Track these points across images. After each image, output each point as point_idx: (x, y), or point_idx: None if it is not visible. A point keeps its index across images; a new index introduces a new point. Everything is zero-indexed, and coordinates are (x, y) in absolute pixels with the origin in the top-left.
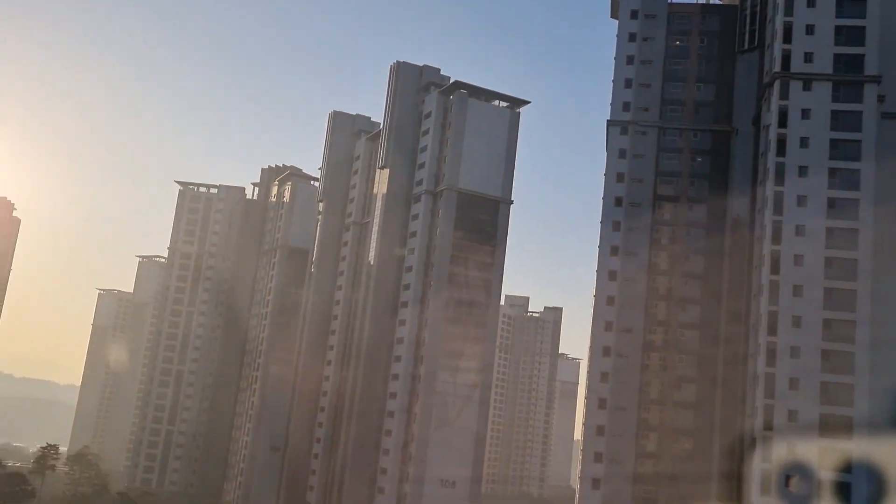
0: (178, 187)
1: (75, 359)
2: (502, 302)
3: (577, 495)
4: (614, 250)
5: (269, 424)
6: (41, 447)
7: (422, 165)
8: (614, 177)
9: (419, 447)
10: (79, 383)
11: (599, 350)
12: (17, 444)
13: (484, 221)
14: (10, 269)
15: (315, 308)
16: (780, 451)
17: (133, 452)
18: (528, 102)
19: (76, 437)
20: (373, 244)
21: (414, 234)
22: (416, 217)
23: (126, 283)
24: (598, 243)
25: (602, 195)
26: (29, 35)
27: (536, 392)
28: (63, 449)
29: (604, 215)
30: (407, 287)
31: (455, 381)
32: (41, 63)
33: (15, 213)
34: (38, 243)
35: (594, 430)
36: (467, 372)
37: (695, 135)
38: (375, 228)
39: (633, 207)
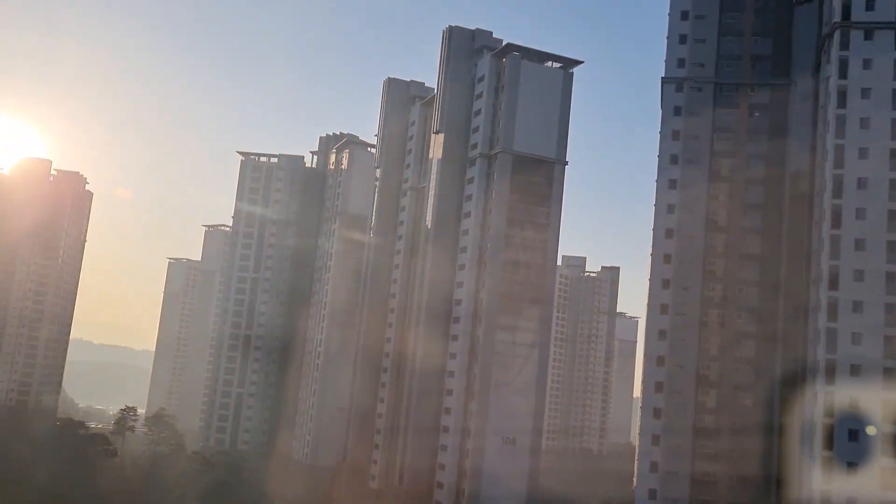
0: (240, 157)
1: (149, 325)
2: (559, 262)
3: (636, 451)
4: (671, 208)
5: (334, 385)
6: (120, 409)
7: (476, 129)
8: (670, 134)
9: (480, 405)
10: (153, 348)
11: (657, 308)
12: (99, 407)
13: (539, 183)
14: (84, 242)
15: (375, 273)
16: (842, 404)
17: (206, 414)
18: (581, 62)
19: (152, 400)
20: (429, 208)
21: (469, 198)
22: (471, 180)
23: (194, 251)
24: (654, 202)
25: (657, 153)
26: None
27: (595, 350)
28: (141, 411)
29: (659, 173)
30: (464, 249)
31: (513, 340)
32: (110, 43)
33: (87, 187)
34: (110, 216)
35: (653, 386)
36: (525, 332)
37: (752, 89)
38: (431, 193)
39: (689, 165)
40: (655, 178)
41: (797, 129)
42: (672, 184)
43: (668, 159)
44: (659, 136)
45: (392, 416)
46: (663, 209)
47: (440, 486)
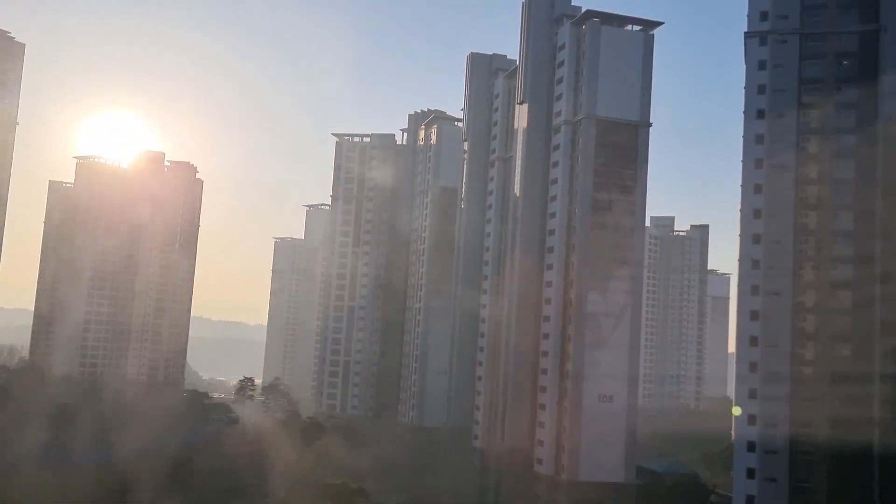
0: (335, 139)
1: (261, 301)
2: (647, 223)
3: (733, 405)
4: (759, 163)
5: (435, 350)
6: (239, 380)
7: (559, 97)
8: (755, 89)
9: (575, 366)
10: (265, 323)
11: (749, 263)
12: (220, 378)
13: (624, 146)
14: (198, 227)
15: (467, 242)
16: None
17: (317, 382)
18: (661, 23)
19: (267, 370)
20: (517, 177)
21: (556, 165)
22: (556, 148)
23: (298, 230)
24: (742, 157)
25: (743, 109)
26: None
27: (687, 308)
28: (258, 381)
29: (746, 129)
30: (553, 216)
31: (606, 301)
32: (209, 35)
33: (198, 176)
34: (219, 200)
35: (748, 341)
36: (617, 293)
37: (839, 38)
38: (518, 162)
39: (776, 119)
40: (742, 133)
41: (889, 75)
42: (759, 139)
43: (755, 114)
44: (744, 91)
45: (491, 378)
46: (751, 164)
47: (541, 443)
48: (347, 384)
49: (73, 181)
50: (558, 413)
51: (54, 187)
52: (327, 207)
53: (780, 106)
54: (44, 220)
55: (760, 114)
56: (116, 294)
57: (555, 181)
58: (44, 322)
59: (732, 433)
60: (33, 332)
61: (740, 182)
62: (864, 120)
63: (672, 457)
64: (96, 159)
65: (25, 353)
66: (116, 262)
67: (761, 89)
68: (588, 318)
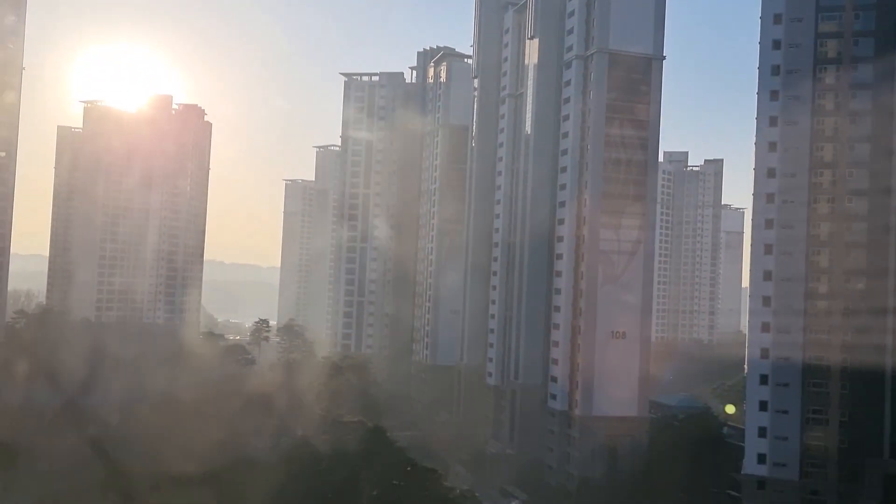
0: (344, 78)
1: (273, 244)
2: (661, 158)
3: (747, 340)
4: (774, 95)
5: (447, 289)
6: (255, 322)
7: (570, 31)
8: (771, 18)
9: (588, 302)
10: (279, 265)
11: (763, 197)
12: (235, 321)
13: (637, 80)
14: (208, 170)
15: (479, 180)
16: None
17: (331, 322)
18: None
19: (282, 312)
20: (528, 114)
21: (567, 101)
22: (568, 83)
23: (308, 172)
24: (756, 89)
25: (759, 39)
26: None
27: (701, 243)
28: (273, 323)
29: (761, 59)
30: (565, 152)
31: (618, 238)
32: None
33: (206, 118)
34: (228, 143)
35: (761, 275)
36: (630, 229)
37: None
38: (530, 98)
39: (792, 49)
40: (757, 65)
41: None
42: (775, 69)
43: (771, 45)
44: (759, 21)
45: (504, 316)
46: (766, 96)
47: (553, 379)
48: (361, 324)
49: (81, 126)
50: (571, 349)
51: (63, 133)
52: (337, 148)
53: (796, 35)
54: (54, 165)
55: (776, 44)
56: (129, 239)
57: (567, 117)
58: (59, 267)
59: (745, 367)
60: (49, 277)
61: (755, 114)
62: (882, 50)
63: (685, 391)
64: (104, 103)
65: (42, 298)
66: (128, 207)
67: (777, 19)
68: (601, 254)
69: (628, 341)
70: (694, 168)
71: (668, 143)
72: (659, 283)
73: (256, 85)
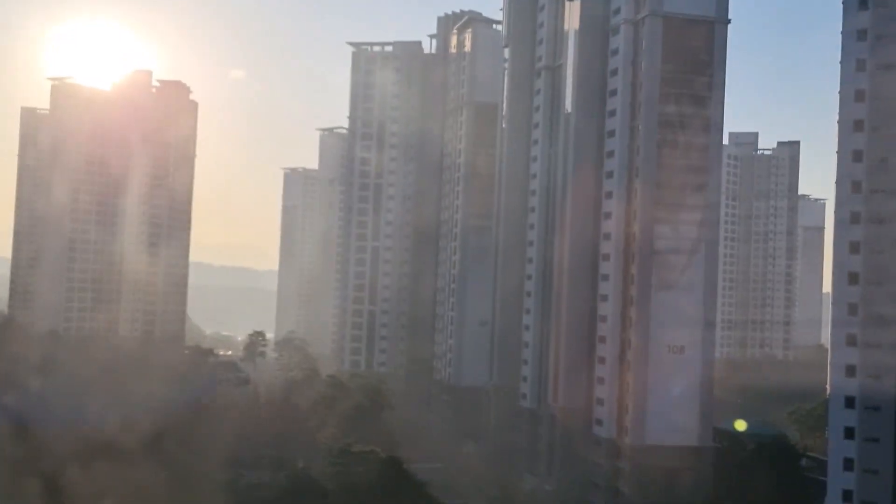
0: (351, 49)
1: (270, 243)
2: (725, 141)
3: (829, 355)
4: (861, 64)
5: (474, 297)
6: (248, 335)
7: None
8: (855, 4)
9: (640, 311)
10: (277, 268)
11: (848, 185)
12: (226, 333)
13: (696, 48)
14: (194, 157)
15: (510, 167)
16: None
17: (338, 335)
18: None
19: (280, 323)
20: (568, 89)
21: (615, 73)
22: (615, 52)
23: (310, 159)
24: (840, 59)
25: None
26: None
27: (774, 241)
28: (269, 335)
29: (845, 24)
30: (611, 134)
31: (676, 235)
32: None
33: (192, 97)
34: (217, 126)
35: (846, 278)
36: (689, 224)
37: None
38: (570, 71)
39: (880, 8)
40: (840, 29)
41: None
42: (861, 34)
43: (856, 5)
44: None
45: (540, 327)
46: (851, 66)
47: (599, 402)
48: (373, 338)
49: (48, 108)
50: (620, 367)
51: (27, 115)
52: (344, 131)
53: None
54: (17, 153)
55: (863, 4)
56: (103, 238)
57: (614, 93)
58: (22, 271)
59: (828, 387)
60: (11, 283)
61: (838, 88)
62: None
63: (755, 415)
64: (74, 80)
65: (3, 307)
66: (101, 201)
67: None
68: (655, 255)
69: (688, 357)
70: (765, 152)
71: (734, 123)
72: (724, 288)
73: (249, 59)
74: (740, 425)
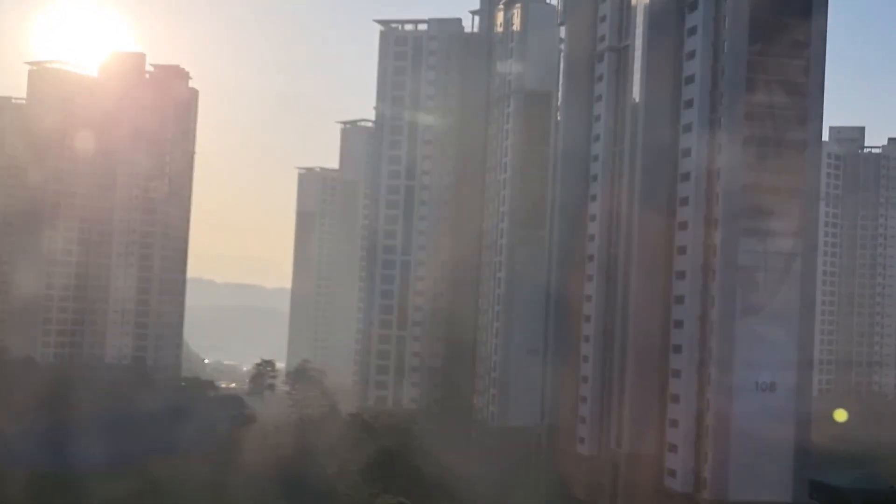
0: (379, 28)
1: (282, 256)
2: (825, 137)
3: None
4: None
5: (522, 321)
6: (256, 364)
7: None
8: None
9: (722, 341)
10: (289, 285)
11: None
12: (228, 362)
13: (790, 26)
14: (193, 154)
15: (567, 167)
16: None
17: (361, 365)
18: None
19: (293, 350)
20: (636, 75)
21: (692, 55)
22: (693, 31)
23: (330, 158)
24: None
25: None
26: None
27: (885, 255)
28: (280, 365)
29: None
30: (688, 128)
31: (765, 248)
32: None
33: (191, 84)
34: (222, 119)
35: None
36: (781, 236)
37: None
38: (638, 53)
39: None
40: None
41: None
42: None
43: None
44: None
45: (602, 358)
46: None
47: (673, 448)
48: (403, 368)
49: (24, 96)
50: (698, 406)
51: (1, 104)
52: (370, 125)
53: None
54: None
55: None
56: (87, 249)
57: (691, 79)
58: None
59: None
60: None
61: None
62: None
63: (862, 467)
64: (55, 65)
65: None
66: (85, 205)
67: None
68: (740, 272)
69: (779, 396)
70: (873, 150)
71: (835, 116)
72: (823, 312)
73: (259, 41)
74: (840, 416)
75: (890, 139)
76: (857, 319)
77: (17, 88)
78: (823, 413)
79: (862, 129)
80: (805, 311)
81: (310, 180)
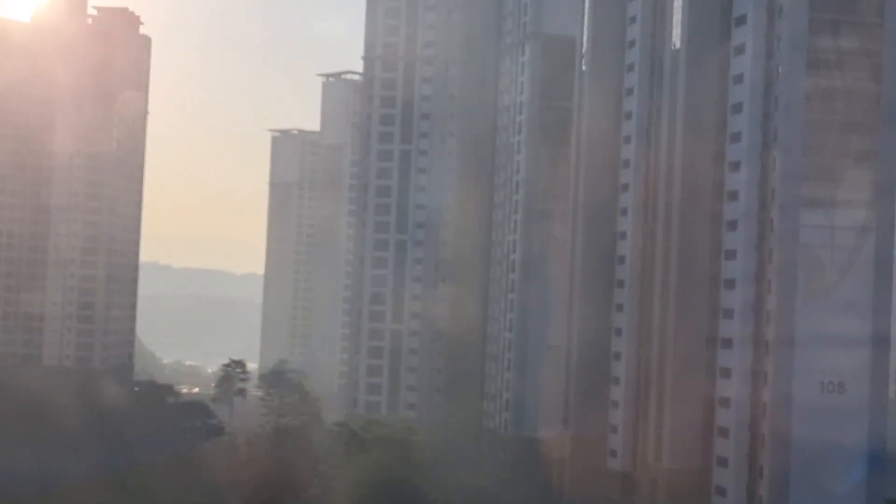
0: None
1: (253, 237)
2: None
3: None
4: None
5: (541, 312)
6: (223, 365)
7: None
8: None
9: (780, 333)
10: (262, 271)
11: None
12: (191, 363)
13: None
14: (146, 114)
15: (593, 127)
16: None
17: (349, 365)
18: None
19: (267, 348)
20: (676, 15)
21: None
22: None
23: (310, 118)
24: None
25: None
26: None
27: None
28: (252, 366)
29: None
30: (738, 80)
31: (832, 223)
32: None
33: (143, 31)
34: (180, 73)
35: None
36: (850, 207)
37: None
38: None
39: None
40: None
41: None
42: None
43: None
44: None
45: (636, 355)
46: None
47: (723, 462)
48: (398, 369)
49: None
50: (752, 412)
51: None
52: (357, 77)
53: None
54: None
55: None
56: (18, 227)
57: (742, 20)
58: None
59: None
60: None
61: None
62: None
63: None
64: None
65: None
66: (17, 176)
67: None
68: (802, 250)
69: (850, 398)
70: None
71: None
72: None
73: None
74: None
75: None
76: None
77: None
78: None
79: None
80: (880, 297)
81: (286, 145)
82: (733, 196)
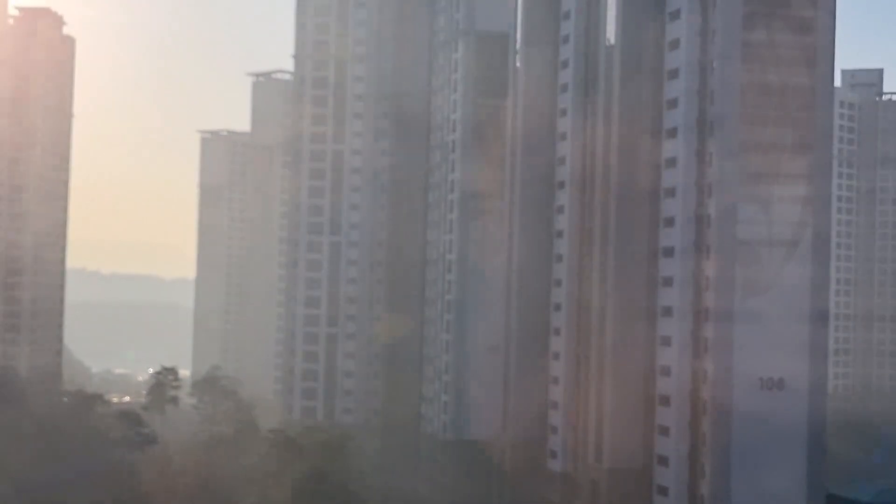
0: None
1: (183, 240)
2: (837, 82)
3: None
4: None
5: (479, 313)
6: (154, 372)
7: None
8: None
9: (719, 331)
10: (192, 275)
11: None
12: (120, 371)
13: None
14: (71, 117)
15: (528, 125)
16: None
17: (284, 371)
18: None
19: (200, 354)
20: (611, 11)
21: None
22: None
23: (240, 118)
24: None
25: None
26: None
27: None
28: (185, 373)
29: None
30: (674, 74)
31: (768, 218)
32: None
33: (66, 31)
34: (106, 74)
35: None
36: (787, 202)
37: None
38: None
39: None
40: None
41: None
42: None
43: None
44: None
45: (574, 355)
46: None
47: (663, 462)
48: (334, 374)
49: None
50: (692, 409)
51: None
52: (288, 77)
53: None
54: None
55: None
56: None
57: (676, 15)
58: None
59: None
60: None
61: None
62: None
63: (886, 476)
64: None
65: None
66: None
67: None
68: (739, 247)
69: (788, 394)
70: (893, 97)
71: (848, 56)
72: (837, 293)
73: None
74: None
75: None
76: (878, 301)
77: None
78: (839, 414)
79: (880, 72)
80: (817, 292)
81: (215, 146)
82: (670, 193)
